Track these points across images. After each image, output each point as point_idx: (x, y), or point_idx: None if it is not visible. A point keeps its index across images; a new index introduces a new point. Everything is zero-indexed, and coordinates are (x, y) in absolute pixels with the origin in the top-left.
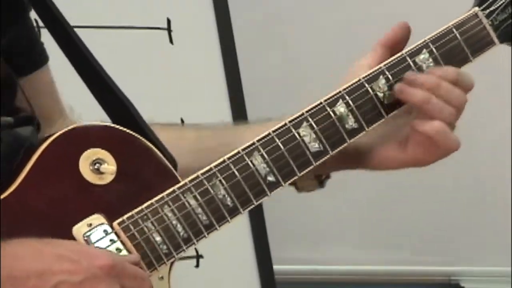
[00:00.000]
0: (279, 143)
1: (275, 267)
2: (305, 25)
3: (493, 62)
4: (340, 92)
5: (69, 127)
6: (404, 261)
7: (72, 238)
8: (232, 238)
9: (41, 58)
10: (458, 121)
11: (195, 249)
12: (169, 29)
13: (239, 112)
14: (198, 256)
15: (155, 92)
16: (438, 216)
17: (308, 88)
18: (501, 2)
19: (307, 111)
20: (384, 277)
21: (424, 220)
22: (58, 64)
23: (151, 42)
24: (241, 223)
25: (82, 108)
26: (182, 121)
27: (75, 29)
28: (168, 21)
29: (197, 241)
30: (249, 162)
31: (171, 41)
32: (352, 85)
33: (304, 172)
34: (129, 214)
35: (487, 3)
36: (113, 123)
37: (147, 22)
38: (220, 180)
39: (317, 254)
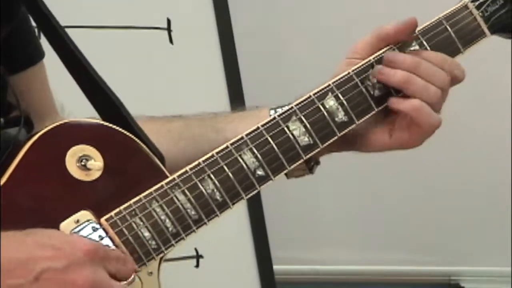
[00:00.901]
0: (268, 137)
1: (275, 267)
2: (305, 25)
3: (493, 62)
4: (329, 85)
5: (56, 123)
6: (404, 261)
7: None
8: (232, 238)
9: (36, 54)
10: (458, 121)
11: (195, 249)
12: (169, 29)
13: None
14: (198, 256)
15: (155, 92)
16: (438, 216)
17: (308, 88)
18: None
19: (296, 105)
20: (384, 277)
21: (424, 220)
22: (55, 60)
23: (151, 42)
24: (241, 223)
25: (77, 104)
26: None
27: (75, 29)
28: (168, 21)
29: (186, 236)
30: (238, 157)
31: (171, 41)
32: (341, 78)
33: (294, 165)
34: (117, 210)
35: None
36: (103, 120)
37: (147, 22)
38: (209, 175)
39: (317, 254)
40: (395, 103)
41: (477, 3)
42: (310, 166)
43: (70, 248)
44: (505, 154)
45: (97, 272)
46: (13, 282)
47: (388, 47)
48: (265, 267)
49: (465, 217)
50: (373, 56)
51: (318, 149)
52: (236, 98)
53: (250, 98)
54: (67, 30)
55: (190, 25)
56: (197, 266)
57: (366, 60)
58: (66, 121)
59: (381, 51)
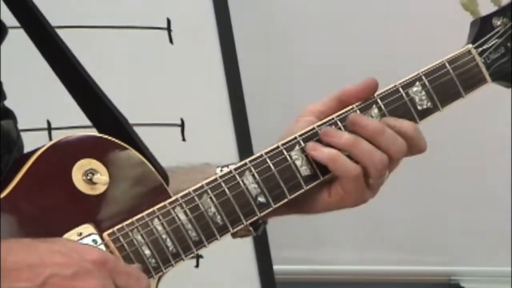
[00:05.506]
0: (271, 165)
1: (275, 267)
2: (305, 25)
3: None
4: (333, 118)
5: (64, 137)
6: (404, 261)
7: None
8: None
9: None
10: (458, 121)
11: None
12: (169, 29)
13: (239, 112)
14: (198, 256)
15: (155, 92)
16: (438, 216)
17: (308, 88)
18: (494, 41)
19: (300, 135)
20: (384, 277)
21: (424, 220)
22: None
23: (151, 42)
24: None
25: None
26: (182, 121)
27: (75, 29)
28: (168, 21)
29: (185, 256)
30: (240, 181)
31: (171, 41)
32: (343, 113)
33: (294, 195)
34: (119, 225)
35: (480, 41)
36: (100, 132)
37: (147, 22)
38: (210, 197)
39: (317, 254)
40: (313, 151)
41: (480, 49)
42: (257, 225)
43: (79, 256)
44: (505, 154)
45: (105, 283)
46: (20, 285)
47: (392, 86)
48: (265, 267)
49: (465, 217)
50: (376, 94)
51: (318, 181)
52: (236, 98)
53: (250, 98)
54: (67, 30)
55: (190, 25)
56: (197, 266)
57: (372, 98)
58: (74, 134)
59: (384, 89)
